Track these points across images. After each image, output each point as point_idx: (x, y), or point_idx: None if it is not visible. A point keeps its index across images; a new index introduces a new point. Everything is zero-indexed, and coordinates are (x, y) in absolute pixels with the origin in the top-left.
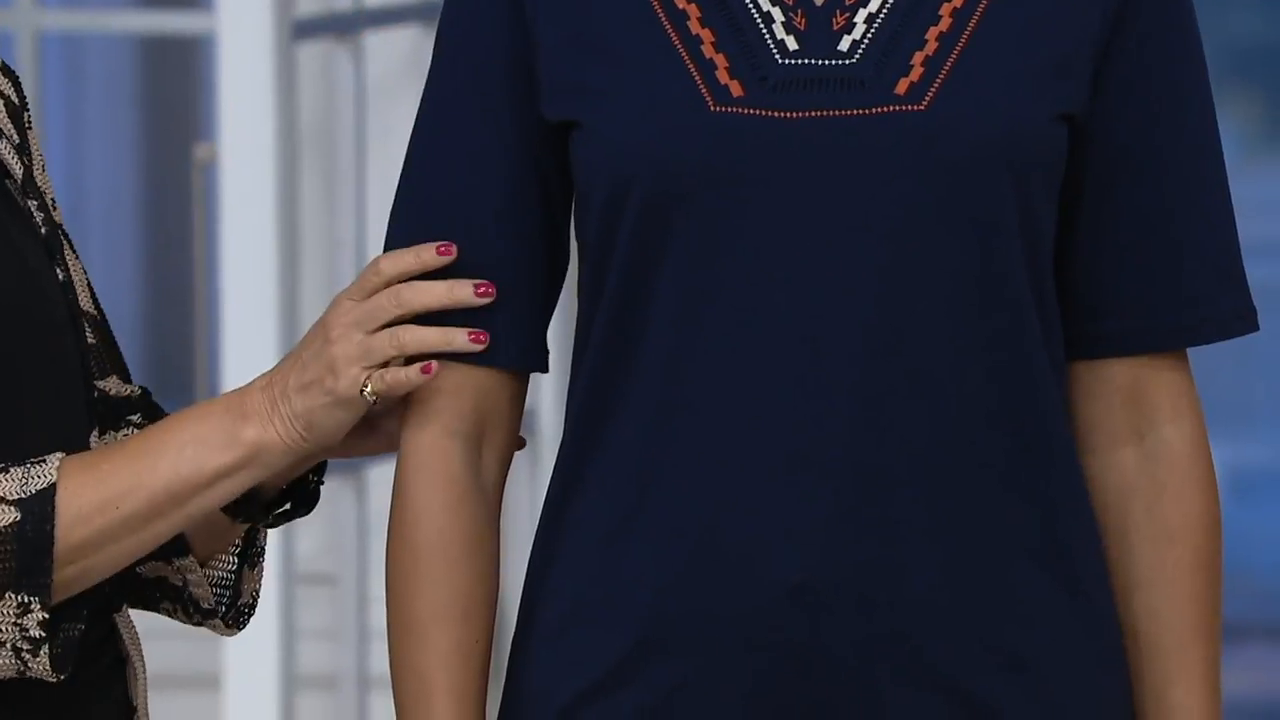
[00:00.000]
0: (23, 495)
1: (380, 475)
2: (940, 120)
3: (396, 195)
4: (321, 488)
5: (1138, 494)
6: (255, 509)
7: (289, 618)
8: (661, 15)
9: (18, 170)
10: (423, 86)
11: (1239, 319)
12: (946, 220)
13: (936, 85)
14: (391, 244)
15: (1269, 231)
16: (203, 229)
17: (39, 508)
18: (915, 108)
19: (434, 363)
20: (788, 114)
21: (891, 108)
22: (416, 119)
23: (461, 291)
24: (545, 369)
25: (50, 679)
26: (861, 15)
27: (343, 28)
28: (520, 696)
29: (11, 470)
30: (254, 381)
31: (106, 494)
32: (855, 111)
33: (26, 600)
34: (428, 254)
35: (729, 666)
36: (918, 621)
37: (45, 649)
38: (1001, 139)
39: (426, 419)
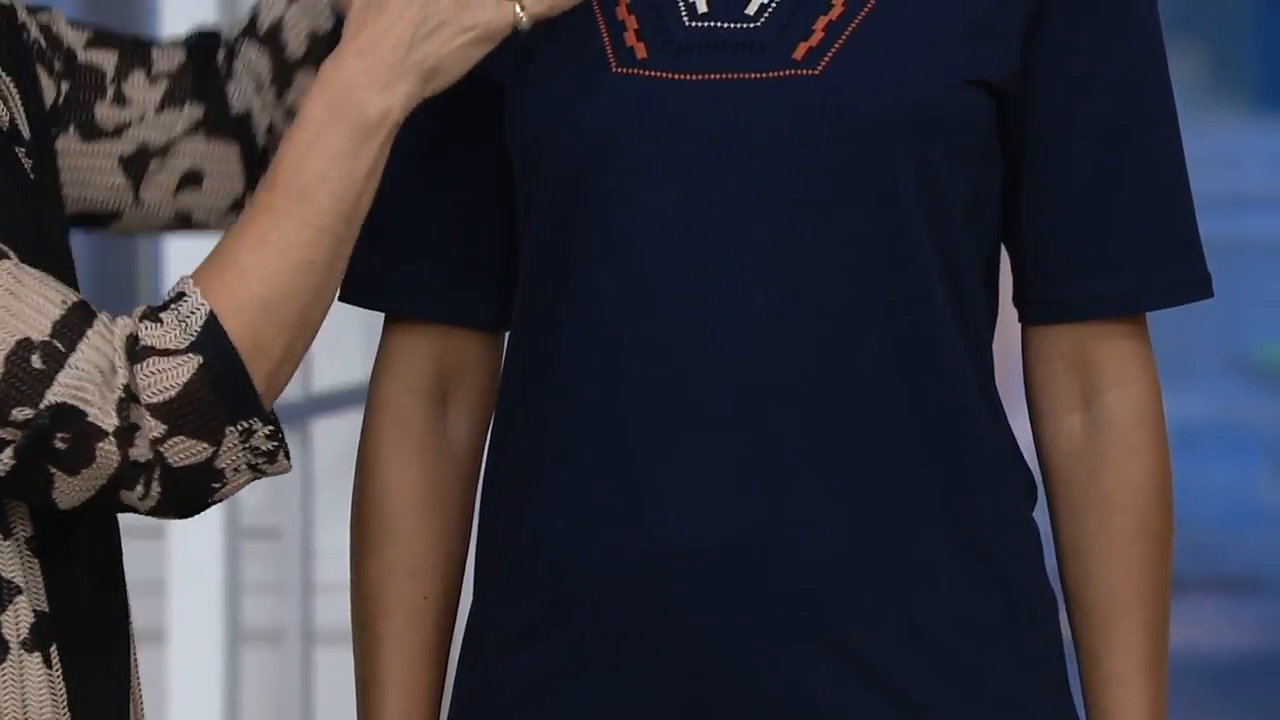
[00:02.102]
0: (192, 338)
1: (325, 428)
2: (831, 86)
3: None
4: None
5: (1082, 460)
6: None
7: (233, 572)
8: None
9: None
10: None
11: (1190, 285)
12: (841, 187)
13: (833, 51)
14: None
15: (1213, 185)
16: None
17: (213, 340)
18: (809, 73)
19: None
20: (686, 76)
21: (786, 72)
22: None
23: None
24: (506, 328)
25: (286, 472)
26: None
27: None
28: (465, 635)
29: (164, 318)
30: (339, 62)
31: (293, 261)
32: (751, 76)
33: (247, 425)
34: None
35: (626, 628)
36: (814, 583)
37: (280, 453)
38: (895, 106)
39: (388, 376)
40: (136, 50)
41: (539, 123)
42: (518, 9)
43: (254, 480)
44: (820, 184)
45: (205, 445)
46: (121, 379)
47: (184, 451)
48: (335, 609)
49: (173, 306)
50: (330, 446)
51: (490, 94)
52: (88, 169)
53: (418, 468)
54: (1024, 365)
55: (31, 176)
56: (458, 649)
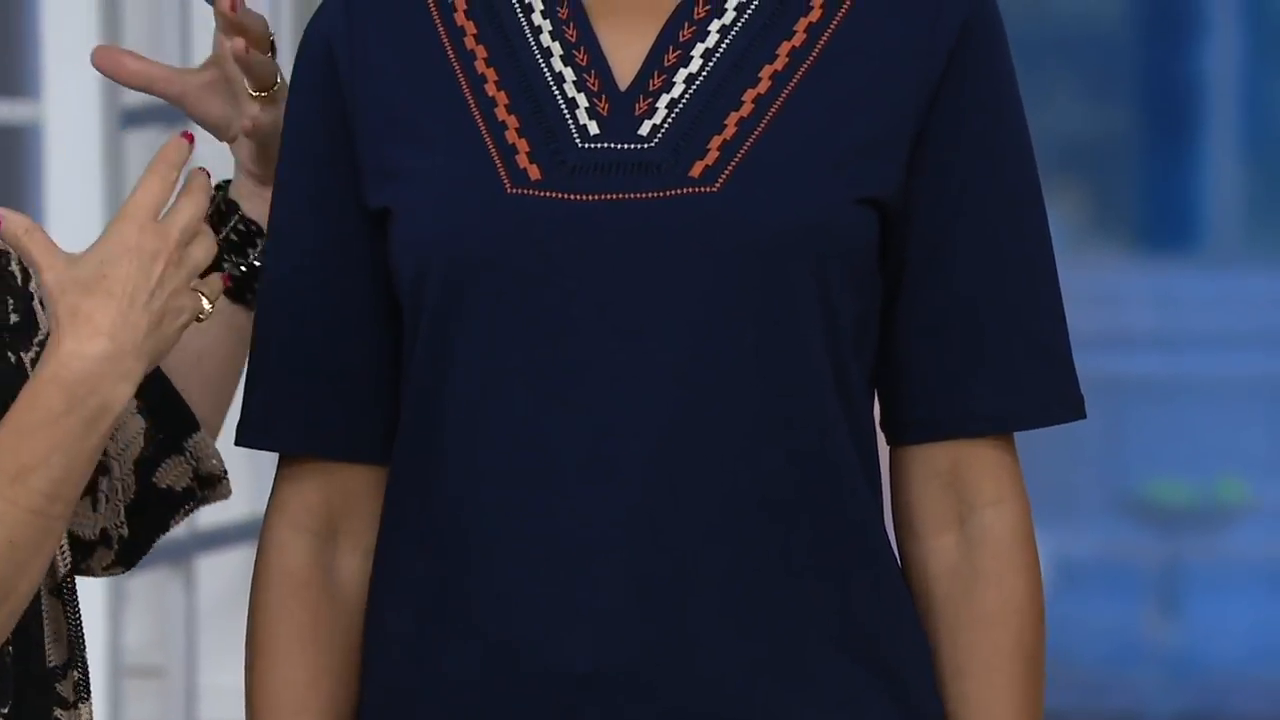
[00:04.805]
0: None
1: (209, 565)
2: (733, 202)
3: (258, 290)
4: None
5: (959, 579)
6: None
7: (117, 711)
8: (471, 101)
9: None
10: None
11: (1062, 405)
12: (743, 304)
13: (731, 168)
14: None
15: (1095, 324)
16: None
17: None
18: (709, 190)
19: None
20: (582, 197)
21: (685, 190)
22: (269, 216)
23: (176, 150)
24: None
25: None
26: (664, 101)
27: (172, 117)
28: None
29: None
30: (80, 347)
31: None
32: (649, 195)
33: None
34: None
35: None
36: (714, 704)
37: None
38: (794, 222)
39: (275, 516)
40: None
41: (427, 246)
42: (203, 298)
43: None
44: (722, 302)
45: None
46: None
47: None
48: None
49: None
50: (215, 583)
51: (374, 223)
52: None
53: (304, 606)
54: (893, 485)
55: None
56: None
